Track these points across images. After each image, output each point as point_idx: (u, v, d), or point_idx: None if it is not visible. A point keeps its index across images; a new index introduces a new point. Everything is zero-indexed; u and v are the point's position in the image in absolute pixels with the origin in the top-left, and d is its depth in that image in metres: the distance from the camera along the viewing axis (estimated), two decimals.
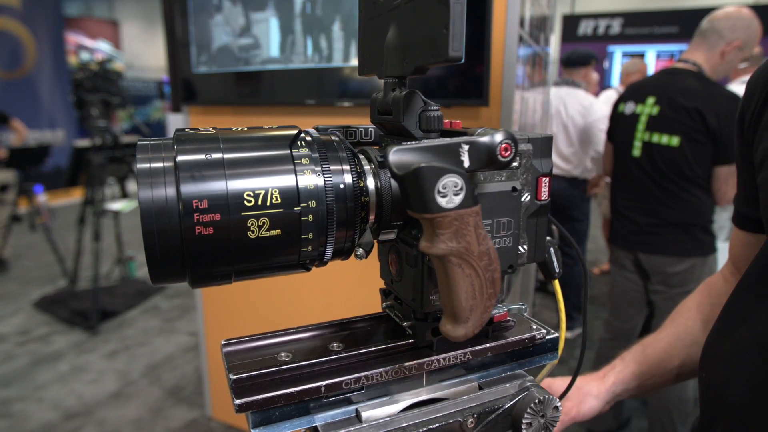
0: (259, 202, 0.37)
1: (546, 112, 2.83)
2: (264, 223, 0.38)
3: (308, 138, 0.42)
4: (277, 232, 0.38)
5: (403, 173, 0.35)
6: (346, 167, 0.42)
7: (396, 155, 0.36)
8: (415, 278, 0.45)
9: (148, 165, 0.36)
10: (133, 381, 2.75)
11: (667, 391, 1.97)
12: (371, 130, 0.49)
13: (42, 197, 4.76)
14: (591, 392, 0.71)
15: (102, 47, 9.65)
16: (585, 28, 7.99)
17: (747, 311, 0.55)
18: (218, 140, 0.38)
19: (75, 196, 7.15)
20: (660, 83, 1.97)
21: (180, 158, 0.37)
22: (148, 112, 11.07)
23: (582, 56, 3.10)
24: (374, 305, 0.56)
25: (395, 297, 0.51)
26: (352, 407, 0.45)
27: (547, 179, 0.46)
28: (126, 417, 2.43)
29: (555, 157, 3.05)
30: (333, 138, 0.43)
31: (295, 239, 0.39)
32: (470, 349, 0.49)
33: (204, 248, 0.36)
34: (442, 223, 0.35)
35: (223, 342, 0.46)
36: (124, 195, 5.45)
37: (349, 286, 1.77)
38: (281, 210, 0.38)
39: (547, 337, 0.52)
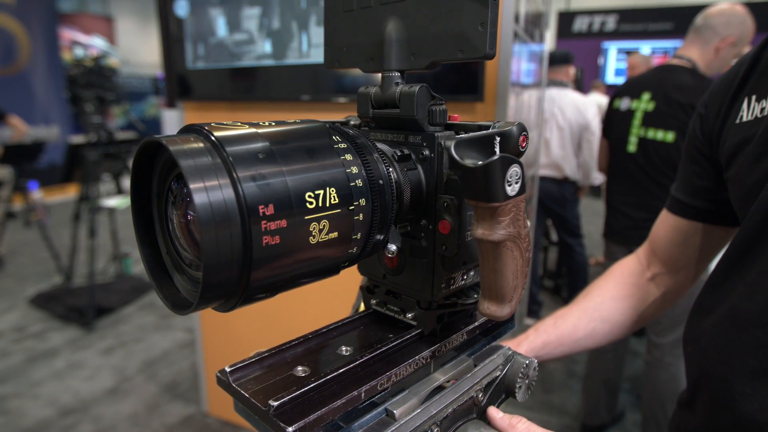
0: (320, 204, 0.33)
1: (541, 108, 2.84)
2: (324, 226, 0.34)
3: (337, 131, 0.39)
4: (335, 234, 0.35)
5: (475, 165, 0.34)
6: (380, 160, 0.39)
7: (459, 149, 0.36)
8: (426, 269, 0.45)
9: (192, 161, 0.29)
10: (129, 377, 2.75)
11: (662, 385, 1.98)
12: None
13: (37, 194, 4.74)
14: None
15: (96, 43, 9.59)
16: (580, 24, 8.01)
17: (726, 291, 0.59)
18: (259, 136, 0.33)
19: (70, 192, 7.13)
20: (655, 79, 1.98)
21: (233, 153, 0.30)
22: (143, 109, 11.01)
23: (564, 55, 3.13)
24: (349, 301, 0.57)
25: (387, 291, 0.51)
26: (380, 408, 0.43)
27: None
28: (122, 413, 2.43)
29: (547, 160, 3.08)
30: (351, 131, 0.41)
31: (346, 240, 0.36)
32: (465, 329, 0.51)
33: (268, 262, 0.31)
34: (504, 210, 0.35)
35: (228, 369, 0.41)
36: (119, 191, 5.42)
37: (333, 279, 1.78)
38: (339, 210, 0.34)
39: None
